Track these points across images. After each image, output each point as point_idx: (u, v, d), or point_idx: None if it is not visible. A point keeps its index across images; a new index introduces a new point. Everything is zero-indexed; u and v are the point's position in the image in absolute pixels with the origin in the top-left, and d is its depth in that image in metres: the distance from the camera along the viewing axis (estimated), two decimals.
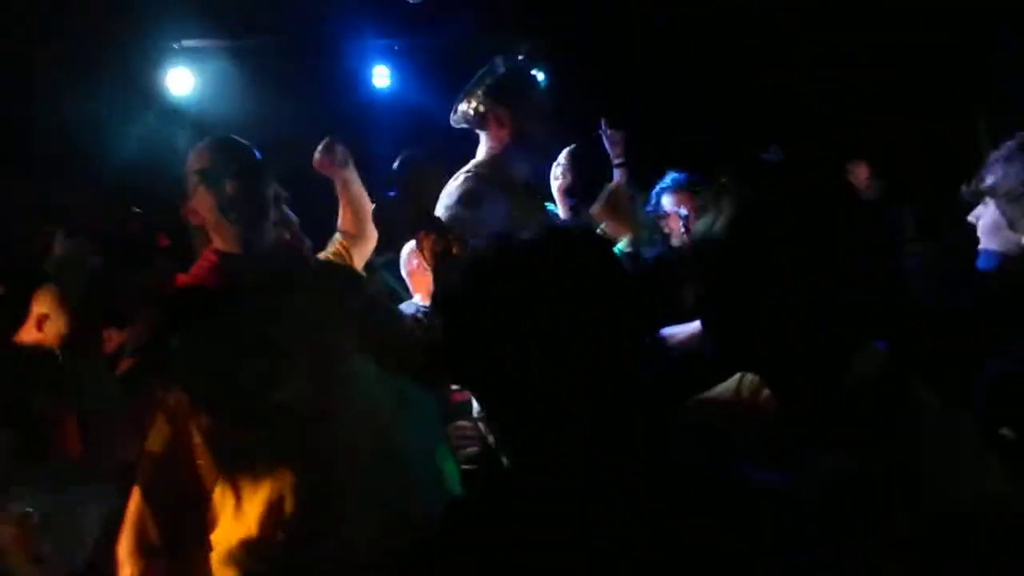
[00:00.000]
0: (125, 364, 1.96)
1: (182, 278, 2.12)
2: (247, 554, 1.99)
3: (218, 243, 2.11)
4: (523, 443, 1.03)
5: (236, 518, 2.01)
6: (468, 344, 1.03)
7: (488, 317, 1.01)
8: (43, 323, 2.84)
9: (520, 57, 2.60)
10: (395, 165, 3.93)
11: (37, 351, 2.74)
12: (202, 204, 2.07)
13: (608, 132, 3.27)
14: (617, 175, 3.29)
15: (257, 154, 2.13)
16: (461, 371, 1.06)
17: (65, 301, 2.82)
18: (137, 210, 2.29)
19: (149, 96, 4.95)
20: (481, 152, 2.62)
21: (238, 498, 2.01)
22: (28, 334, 2.90)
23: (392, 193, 2.89)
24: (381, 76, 5.27)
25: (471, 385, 1.08)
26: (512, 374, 1.00)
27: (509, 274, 1.02)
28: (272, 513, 1.98)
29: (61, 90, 4.33)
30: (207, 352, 1.96)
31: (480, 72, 2.61)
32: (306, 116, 4.33)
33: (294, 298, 2.06)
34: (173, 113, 4.91)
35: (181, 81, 4.99)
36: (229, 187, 2.04)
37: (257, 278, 2.04)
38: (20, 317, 2.94)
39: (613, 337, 1.01)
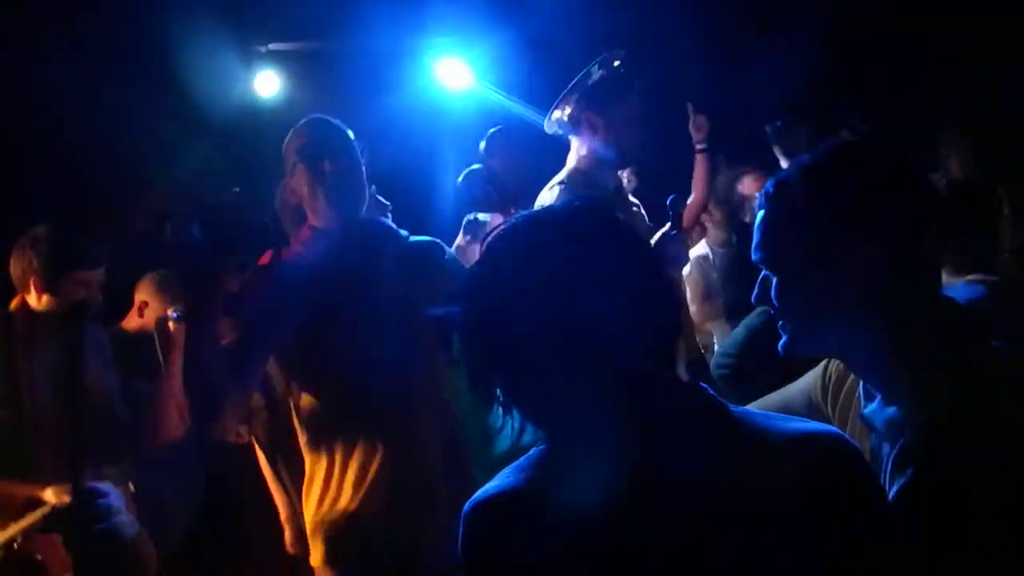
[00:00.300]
0: (231, 337, 2.04)
1: (280, 253, 2.20)
2: (338, 526, 2.07)
3: (313, 220, 2.18)
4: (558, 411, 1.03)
5: (326, 491, 2.09)
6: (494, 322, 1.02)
7: (510, 293, 1.00)
8: (143, 310, 2.98)
9: (616, 63, 2.59)
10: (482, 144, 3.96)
11: (140, 337, 2.88)
12: (299, 182, 2.15)
13: (693, 117, 3.24)
14: (699, 160, 3.27)
15: (351, 135, 2.20)
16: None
17: (165, 287, 2.97)
18: (236, 190, 2.39)
19: (238, 99, 5.12)
20: (572, 159, 2.63)
21: (328, 471, 2.09)
22: (131, 321, 3.06)
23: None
24: (454, 72, 5.30)
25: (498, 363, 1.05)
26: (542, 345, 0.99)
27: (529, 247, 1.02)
28: (361, 485, 2.05)
29: (150, 95, 4.52)
30: (304, 322, 2.03)
31: (576, 79, 2.62)
32: (389, 115, 4.41)
33: (383, 269, 2.11)
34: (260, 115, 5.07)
35: (269, 84, 5.15)
36: (327, 165, 2.11)
37: (350, 251, 2.10)
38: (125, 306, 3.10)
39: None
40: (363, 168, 2.20)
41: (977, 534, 1.03)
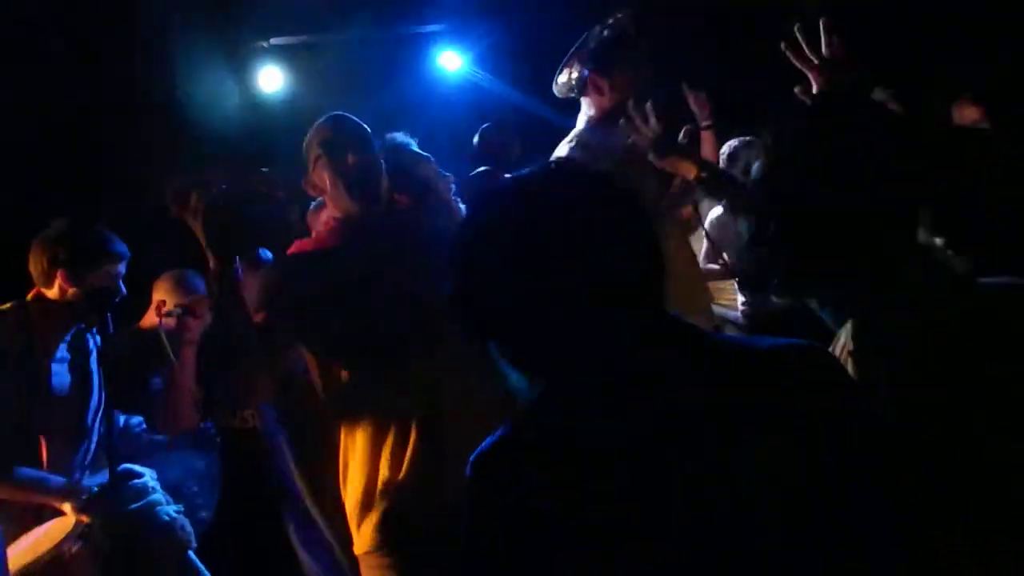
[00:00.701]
0: (259, 317, 2.09)
1: (304, 241, 2.26)
2: (379, 497, 2.08)
3: (336, 212, 2.24)
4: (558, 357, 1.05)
5: (364, 463, 2.12)
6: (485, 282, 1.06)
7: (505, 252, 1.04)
8: (161, 309, 3.05)
9: (621, 23, 2.61)
10: (475, 139, 4.03)
11: (158, 336, 2.95)
12: (321, 176, 2.20)
13: (693, 95, 3.22)
14: (706, 138, 3.25)
15: (367, 128, 2.26)
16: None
17: (181, 285, 3.03)
18: (264, 169, 2.44)
19: (241, 94, 5.16)
20: (581, 120, 2.64)
21: (366, 443, 2.12)
22: (149, 319, 3.12)
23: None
24: (451, 60, 5.34)
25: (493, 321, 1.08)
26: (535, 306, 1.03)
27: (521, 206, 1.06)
28: (398, 454, 2.08)
29: (155, 90, 4.56)
30: (331, 303, 2.08)
31: (580, 39, 2.64)
32: (392, 107, 4.45)
33: (406, 248, 2.16)
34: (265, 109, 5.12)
35: (271, 79, 5.19)
36: (349, 158, 2.17)
37: (373, 236, 2.17)
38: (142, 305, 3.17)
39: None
40: (381, 160, 2.26)
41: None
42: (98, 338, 2.76)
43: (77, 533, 2.43)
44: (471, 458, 1.05)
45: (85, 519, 2.44)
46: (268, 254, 2.43)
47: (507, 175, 1.12)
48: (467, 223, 1.11)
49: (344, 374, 2.16)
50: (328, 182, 2.20)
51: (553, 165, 1.13)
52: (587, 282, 1.01)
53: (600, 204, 1.06)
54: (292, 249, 2.24)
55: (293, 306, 2.11)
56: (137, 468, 2.67)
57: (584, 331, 1.02)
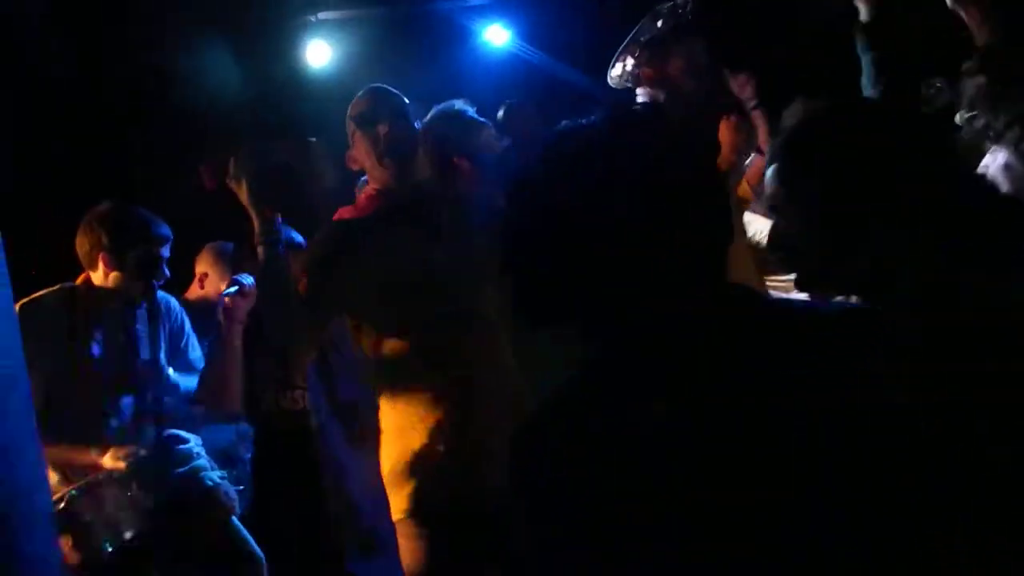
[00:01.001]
0: (301, 286, 2.13)
1: (345, 209, 2.32)
2: (413, 469, 2.12)
3: (375, 184, 2.28)
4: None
5: (399, 436, 2.16)
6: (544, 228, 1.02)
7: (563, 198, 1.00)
8: (204, 281, 3.10)
9: (677, 12, 2.56)
10: (499, 114, 3.99)
11: (202, 307, 3.00)
12: (359, 148, 2.25)
13: (732, 79, 3.15)
14: (756, 117, 3.16)
15: (405, 100, 2.30)
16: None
17: (225, 258, 3.08)
18: (312, 139, 2.48)
19: (290, 69, 5.19)
20: None
21: (400, 415, 2.16)
22: (193, 292, 3.19)
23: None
24: (497, 34, 5.30)
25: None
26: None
27: (582, 155, 1.02)
28: (431, 427, 2.11)
29: (204, 69, 4.60)
30: (368, 273, 2.13)
31: (635, 30, 2.59)
32: (440, 81, 4.44)
33: (444, 219, 2.21)
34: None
35: (319, 53, 5.20)
36: (380, 129, 2.20)
37: (411, 205, 2.21)
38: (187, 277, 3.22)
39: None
40: (415, 132, 2.28)
41: None
42: (146, 312, 2.79)
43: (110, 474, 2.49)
44: (516, 430, 1.04)
45: (122, 466, 2.49)
46: (299, 237, 2.46)
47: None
48: (543, 161, 1.05)
49: (382, 344, 2.19)
50: (363, 154, 2.23)
51: (639, 110, 1.11)
52: (658, 237, 0.97)
53: (681, 158, 1.03)
54: (335, 217, 2.28)
55: (332, 274, 2.14)
56: (183, 434, 2.73)
57: (646, 286, 0.98)
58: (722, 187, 1.08)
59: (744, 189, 3.28)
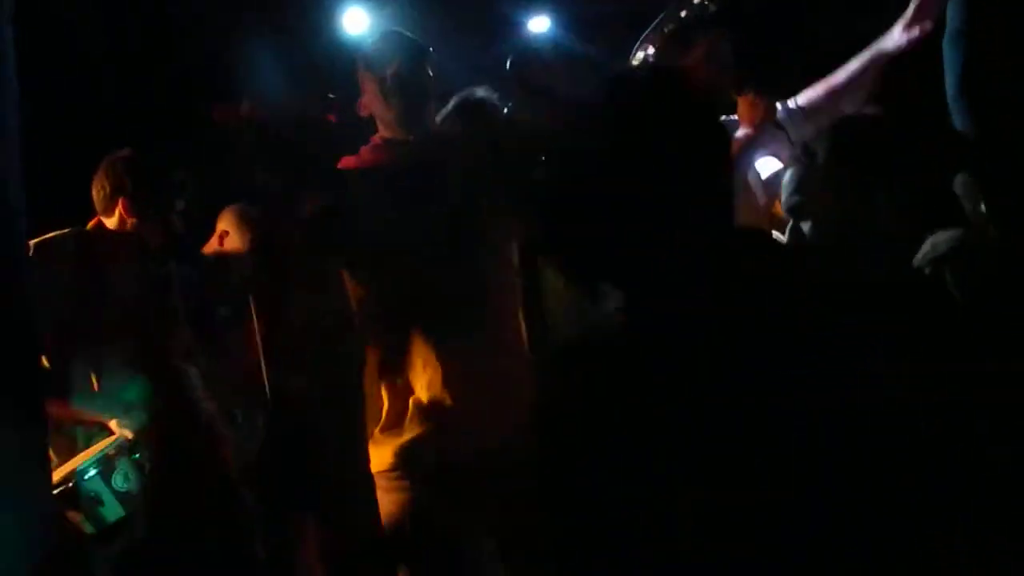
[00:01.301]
0: (298, 237, 2.12)
1: (349, 158, 2.26)
2: (400, 425, 2.12)
3: (382, 131, 2.24)
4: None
5: (391, 407, 2.14)
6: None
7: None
8: (224, 239, 3.12)
9: (704, 2, 2.52)
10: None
11: (218, 263, 3.01)
12: (368, 92, 2.20)
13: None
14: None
15: (421, 44, 2.23)
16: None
17: (247, 219, 3.09)
18: (331, 96, 2.44)
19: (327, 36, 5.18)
20: None
21: (392, 385, 2.14)
22: (211, 246, 3.20)
23: None
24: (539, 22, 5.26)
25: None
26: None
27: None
28: (421, 384, 2.10)
29: (242, 36, 4.60)
30: (368, 224, 2.11)
31: (658, 19, 2.57)
32: (478, 51, 4.40)
33: (447, 175, 2.15)
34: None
35: (357, 20, 5.19)
36: (388, 71, 2.15)
37: (415, 157, 2.16)
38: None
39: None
40: (430, 78, 2.21)
41: None
42: (166, 266, 2.80)
43: (119, 443, 2.48)
44: (539, 365, 1.08)
45: (129, 435, 2.50)
46: None
47: None
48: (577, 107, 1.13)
49: (370, 298, 2.17)
50: (373, 99, 2.19)
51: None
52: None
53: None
54: (338, 166, 2.24)
55: (332, 223, 2.12)
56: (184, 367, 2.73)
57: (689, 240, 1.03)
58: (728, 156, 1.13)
59: (778, 207, 3.25)
